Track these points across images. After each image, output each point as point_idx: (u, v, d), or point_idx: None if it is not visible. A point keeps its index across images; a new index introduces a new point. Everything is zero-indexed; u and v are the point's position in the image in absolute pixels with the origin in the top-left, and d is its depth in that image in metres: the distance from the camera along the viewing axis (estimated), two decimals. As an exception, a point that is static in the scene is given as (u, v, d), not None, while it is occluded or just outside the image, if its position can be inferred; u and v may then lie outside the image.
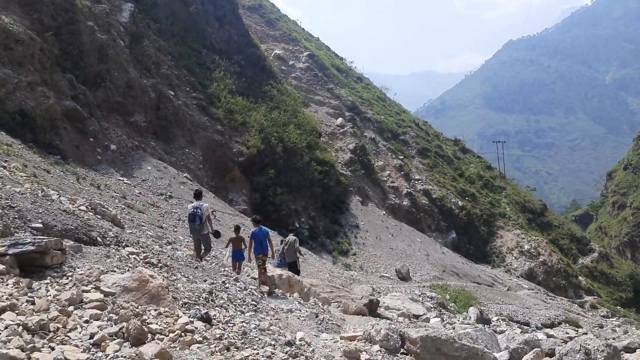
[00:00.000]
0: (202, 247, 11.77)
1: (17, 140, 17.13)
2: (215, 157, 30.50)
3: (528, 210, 54.19)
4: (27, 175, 12.87)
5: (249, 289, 8.05)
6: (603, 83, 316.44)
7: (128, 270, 5.97)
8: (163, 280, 5.77)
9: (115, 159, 22.63)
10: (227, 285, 7.70)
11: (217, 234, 12.16)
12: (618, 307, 45.01)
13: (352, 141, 44.36)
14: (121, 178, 20.89)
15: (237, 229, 13.07)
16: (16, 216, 6.53)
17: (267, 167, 32.99)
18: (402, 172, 46.49)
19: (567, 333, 25.75)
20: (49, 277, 5.51)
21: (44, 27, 21.55)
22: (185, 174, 25.24)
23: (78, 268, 5.76)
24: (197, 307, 5.67)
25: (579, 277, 47.22)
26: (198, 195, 12.26)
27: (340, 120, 46.75)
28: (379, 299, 9.86)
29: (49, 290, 5.27)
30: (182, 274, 7.15)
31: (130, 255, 6.86)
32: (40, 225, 6.72)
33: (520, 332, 24.22)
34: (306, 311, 7.60)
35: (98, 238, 7.34)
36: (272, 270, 9.82)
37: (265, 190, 32.29)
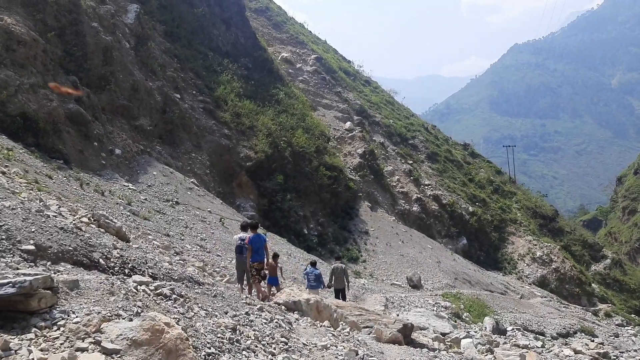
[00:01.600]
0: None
1: (19, 144, 16.44)
2: (222, 162, 29.77)
3: (539, 216, 53.22)
4: (27, 182, 12.13)
5: (276, 320, 7.25)
6: (609, 87, 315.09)
7: (137, 315, 4.79)
8: (181, 326, 4.75)
9: (120, 164, 21.92)
10: (252, 317, 6.88)
11: (275, 255, 12.59)
12: (632, 315, 43.99)
13: (361, 146, 43.55)
14: (126, 184, 20.17)
15: (275, 256, 13.54)
16: (3, 237, 5.65)
17: (275, 172, 32.23)
18: (411, 177, 45.63)
19: (586, 345, 24.91)
20: (33, 329, 4.30)
21: (47, 28, 20.91)
22: (192, 179, 24.51)
23: (73, 313, 4.57)
24: (222, 356, 4.82)
25: (592, 285, 46.21)
26: (245, 227, 12.18)
27: (348, 124, 45.96)
28: (409, 322, 8.94)
29: (31, 352, 3.98)
30: (200, 305, 6.28)
31: (138, 288, 5.94)
32: (33, 247, 5.83)
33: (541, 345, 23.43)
34: (343, 347, 6.80)
35: (100, 260, 6.53)
36: (299, 294, 9.05)
37: (274, 195, 31.51)
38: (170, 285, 6.53)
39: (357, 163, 41.74)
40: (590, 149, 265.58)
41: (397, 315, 13.35)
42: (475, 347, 10.06)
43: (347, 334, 7.94)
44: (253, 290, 11.20)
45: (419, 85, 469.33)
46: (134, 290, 5.81)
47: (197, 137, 28.74)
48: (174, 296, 6.25)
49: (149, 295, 5.91)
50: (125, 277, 6.44)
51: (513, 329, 25.28)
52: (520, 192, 58.21)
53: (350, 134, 44.64)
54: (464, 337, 10.70)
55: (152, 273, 7.35)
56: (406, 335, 8.42)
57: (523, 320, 29.28)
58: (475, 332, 21.74)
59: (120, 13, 28.26)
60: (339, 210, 36.61)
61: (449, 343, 10.11)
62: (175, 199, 21.00)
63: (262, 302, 8.75)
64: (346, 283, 15.51)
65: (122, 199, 17.94)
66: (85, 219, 9.11)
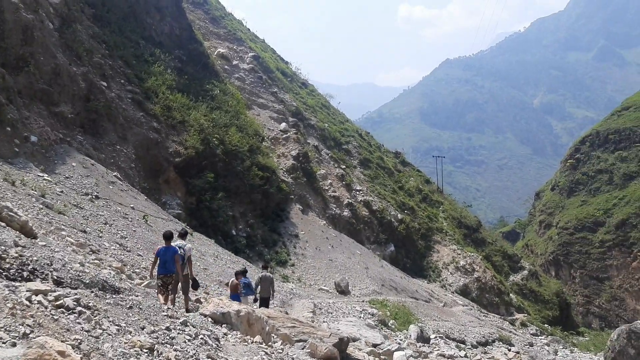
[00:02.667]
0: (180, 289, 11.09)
1: None
2: (149, 156, 28.26)
3: (464, 226, 54.85)
4: None
5: (201, 335, 6.48)
6: (531, 106, 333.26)
7: (24, 337, 3.72)
8: (83, 351, 3.89)
9: (35, 153, 20.17)
10: (173, 333, 6.07)
11: (195, 285, 11.43)
12: (546, 325, 46.12)
13: (295, 147, 43.03)
14: (41, 174, 18.55)
15: (242, 272, 14.49)
16: None
17: (206, 169, 31.02)
18: (343, 182, 45.64)
19: (505, 354, 25.62)
20: None
21: (-42, -2, 18.95)
22: (115, 173, 23.00)
23: None
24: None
25: (511, 295, 48.05)
26: (182, 236, 11.92)
27: (283, 125, 45.33)
28: (345, 336, 8.33)
29: None
30: (111, 320, 5.40)
31: (33, 298, 4.83)
32: None
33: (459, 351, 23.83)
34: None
35: None
36: (229, 305, 8.24)
37: (202, 194, 30.31)
38: (76, 294, 5.59)
39: (291, 165, 41.19)
40: (511, 164, 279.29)
41: (328, 325, 12.88)
42: (407, 358, 9.76)
43: (281, 350, 7.30)
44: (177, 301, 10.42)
45: (353, 92, 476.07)
46: (26, 303, 4.80)
47: (123, 128, 27.10)
48: (79, 308, 5.33)
49: (46, 308, 4.96)
50: (20, 283, 5.42)
51: (436, 337, 25.62)
52: (447, 202, 59.81)
53: (284, 135, 44.04)
54: (396, 350, 10.39)
55: (57, 277, 6.38)
56: (342, 350, 7.90)
57: (445, 328, 29.77)
58: (402, 340, 21.81)
59: (45, -9, 26.22)
60: (269, 212, 35.86)
61: (383, 357, 9.73)
62: (95, 193, 19.56)
63: (186, 313, 8.06)
64: (272, 292, 15.31)
65: (35, 190, 16.42)
66: (-18, 212, 7.94)
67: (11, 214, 8.66)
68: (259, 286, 14.96)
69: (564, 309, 55.69)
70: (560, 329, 47.35)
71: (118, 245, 15.76)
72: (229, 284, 14.30)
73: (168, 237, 10.70)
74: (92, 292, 6.42)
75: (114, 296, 6.73)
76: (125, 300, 6.75)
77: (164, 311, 7.18)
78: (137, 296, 7.89)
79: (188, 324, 7.02)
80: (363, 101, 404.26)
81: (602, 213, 75.68)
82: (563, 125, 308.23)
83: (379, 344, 11.44)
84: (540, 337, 39.36)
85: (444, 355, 16.66)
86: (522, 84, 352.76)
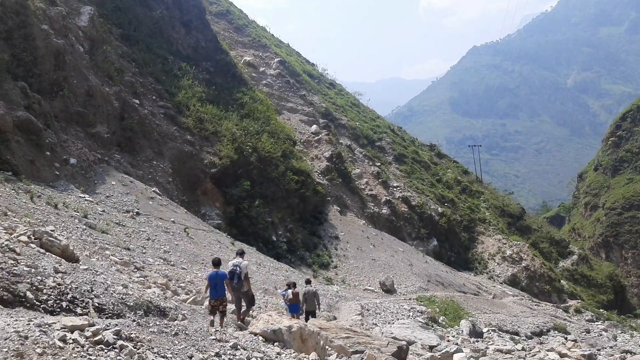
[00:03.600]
0: (244, 304, 11.66)
1: (-40, 155, 15.01)
2: (185, 169, 28.50)
3: (507, 215, 53.52)
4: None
5: (254, 358, 6.23)
6: (565, 86, 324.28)
7: None
8: None
9: (75, 174, 20.53)
10: (223, 358, 5.88)
11: (251, 301, 11.85)
12: (601, 310, 44.51)
13: (328, 149, 42.80)
14: (82, 195, 18.82)
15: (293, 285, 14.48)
16: None
17: (241, 178, 31.11)
18: (379, 180, 45.13)
19: (563, 344, 24.72)
20: None
21: (-9, 30, 19.42)
22: (153, 189, 23.22)
23: None
24: None
25: (562, 281, 46.59)
26: (240, 254, 12.18)
27: (314, 127, 45.18)
28: (404, 343, 7.92)
29: None
30: (156, 351, 5.11)
31: (68, 337, 4.44)
32: None
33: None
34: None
35: (28, 293, 5.39)
36: (279, 320, 7.92)
37: (240, 202, 30.38)
38: (117, 325, 5.33)
39: (325, 166, 40.97)
40: (549, 147, 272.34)
41: (381, 330, 12.54)
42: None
43: (335, 363, 7.05)
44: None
45: (381, 88, 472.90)
46: (59, 344, 4.38)
47: (158, 144, 27.42)
48: (120, 342, 4.97)
49: (83, 347, 4.58)
50: (57, 316, 5.21)
51: (489, 331, 25.00)
52: (488, 191, 58.53)
53: (316, 138, 43.87)
54: (455, 352, 9.99)
55: (98, 304, 6.22)
56: (401, 359, 7.53)
57: (497, 320, 29.07)
58: (454, 336, 21.27)
59: (73, 15, 26.77)
60: (307, 215, 35.72)
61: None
62: (136, 210, 19.74)
63: (235, 333, 7.87)
64: (317, 305, 15.07)
65: (78, 212, 16.63)
66: (24, 238, 7.90)
67: (51, 239, 8.63)
68: (305, 301, 14.80)
69: (619, 292, 53.69)
70: (616, 313, 45.63)
71: (162, 260, 15.80)
72: (285, 296, 14.09)
73: (216, 263, 10.94)
74: (134, 320, 6.15)
75: (157, 323, 6.40)
76: (170, 327, 6.47)
77: (212, 334, 6.89)
78: (183, 315, 7.68)
79: (238, 346, 6.69)
80: (392, 96, 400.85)
81: (651, 190, 72.77)
82: (600, 103, 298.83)
83: (436, 346, 11.04)
84: (596, 323, 38.04)
85: (501, 351, 16.10)
86: (553, 64, 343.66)
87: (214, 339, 6.68)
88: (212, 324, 10.41)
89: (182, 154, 28.60)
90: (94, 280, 7.17)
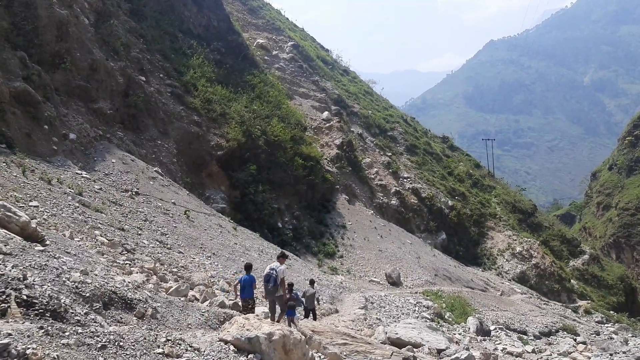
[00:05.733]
0: (278, 309, 11.70)
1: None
2: (190, 150, 27.70)
3: (518, 211, 52.36)
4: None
5: None
6: (581, 84, 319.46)
7: None
8: None
9: (74, 150, 19.77)
10: None
11: (285, 307, 11.81)
12: (611, 312, 43.44)
13: (339, 136, 41.81)
14: (79, 171, 18.06)
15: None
16: None
17: (248, 162, 30.26)
18: (390, 170, 44.11)
19: (574, 347, 23.84)
20: None
21: (-9, -3, 18.63)
22: (155, 168, 22.42)
23: None
24: None
25: (572, 281, 45.52)
26: (281, 257, 12.43)
27: (326, 114, 44.14)
28: (410, 355, 6.82)
29: None
30: None
31: None
32: None
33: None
34: None
35: None
36: (257, 325, 6.65)
37: (246, 187, 29.56)
38: (10, 335, 4.08)
39: (335, 154, 40.01)
40: (562, 145, 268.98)
41: (385, 330, 11.66)
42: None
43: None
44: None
45: (395, 80, 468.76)
46: None
47: (163, 123, 26.60)
48: None
49: None
50: None
51: (496, 329, 24.26)
52: (500, 186, 57.34)
53: (327, 124, 42.87)
54: (466, 358, 9.10)
55: (27, 296, 4.99)
56: None
57: (505, 318, 28.37)
58: (461, 333, 20.45)
59: (80, -14, 25.87)
60: (315, 203, 34.87)
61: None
62: (135, 189, 18.97)
63: (203, 340, 6.48)
64: (316, 305, 14.63)
65: (72, 189, 15.89)
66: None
67: (9, 214, 7.62)
68: (305, 300, 14.06)
69: (629, 294, 52.49)
70: (627, 316, 44.50)
71: (157, 243, 15.03)
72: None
73: (248, 267, 11.52)
74: (41, 328, 4.69)
75: (79, 331, 4.91)
76: (99, 335, 4.99)
77: (160, 346, 5.40)
78: (154, 309, 6.70)
79: None
80: (406, 88, 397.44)
81: (666, 192, 71.15)
82: (616, 103, 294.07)
83: (444, 349, 10.15)
84: (606, 325, 37.06)
85: (511, 354, 15.24)
86: (571, 61, 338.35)
87: (160, 353, 5.27)
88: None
89: (188, 134, 27.78)
90: (44, 265, 6.09)
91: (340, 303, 19.65)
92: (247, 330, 6.37)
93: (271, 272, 11.22)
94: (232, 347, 6.25)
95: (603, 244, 76.52)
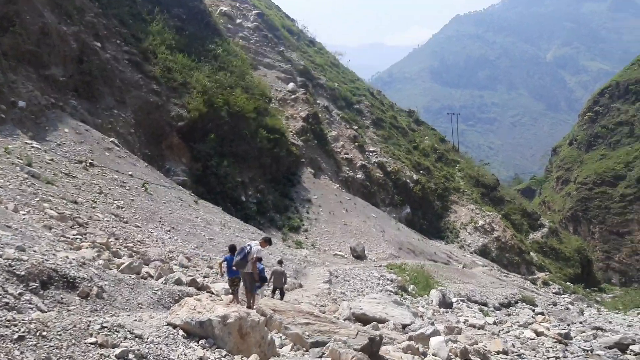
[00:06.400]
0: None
1: None
2: (150, 121, 26.64)
3: (481, 185, 53.08)
4: None
5: None
6: (544, 61, 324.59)
7: None
8: None
9: (23, 119, 18.63)
10: None
11: (262, 280, 11.70)
12: (568, 283, 44.79)
13: (305, 108, 41.13)
14: (29, 141, 17.05)
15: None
16: None
17: (210, 133, 29.38)
18: (356, 144, 43.81)
19: (533, 317, 24.33)
20: None
21: None
22: (111, 139, 21.45)
23: None
24: None
25: (531, 253, 46.61)
26: (265, 241, 12.01)
27: (291, 85, 43.30)
28: (377, 334, 6.44)
29: None
30: None
31: None
32: None
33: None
34: None
35: None
36: (210, 307, 5.93)
37: (208, 159, 28.74)
38: None
39: (300, 127, 39.40)
40: (524, 120, 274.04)
41: (349, 305, 11.41)
42: (446, 345, 8.32)
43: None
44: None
45: (362, 53, 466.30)
46: None
47: (120, 91, 25.42)
48: None
49: None
50: None
51: (458, 301, 24.56)
52: (464, 160, 57.91)
53: (293, 96, 42.09)
54: (431, 333, 8.94)
55: None
56: (372, 354, 6.17)
57: (467, 290, 28.78)
58: (424, 306, 20.55)
59: (28, -56, 24.21)
60: (280, 176, 34.34)
61: (418, 345, 8.23)
62: (90, 160, 18.07)
63: (148, 324, 5.87)
64: (284, 283, 14.12)
65: (21, 159, 14.97)
66: None
67: None
68: (272, 278, 13.72)
69: (585, 266, 54.26)
70: (582, 287, 46.02)
71: (113, 217, 14.33)
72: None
73: (232, 248, 11.40)
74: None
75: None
76: (17, 324, 4.29)
77: (92, 335, 4.67)
78: (100, 287, 6.16)
79: (132, 353, 4.58)
80: (372, 62, 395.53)
81: (622, 167, 73.36)
82: (577, 79, 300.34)
83: (409, 324, 9.98)
84: (563, 296, 38.21)
85: (474, 326, 15.30)
86: (535, 37, 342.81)
87: (92, 343, 4.54)
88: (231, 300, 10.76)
89: (146, 104, 26.69)
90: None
91: (304, 277, 19.40)
92: (199, 312, 5.78)
93: (246, 246, 11.07)
94: (181, 332, 5.68)
95: (561, 218, 78.78)
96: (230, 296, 10.59)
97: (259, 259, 11.60)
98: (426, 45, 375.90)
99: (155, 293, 7.37)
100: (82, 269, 6.30)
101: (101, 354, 4.42)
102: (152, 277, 9.36)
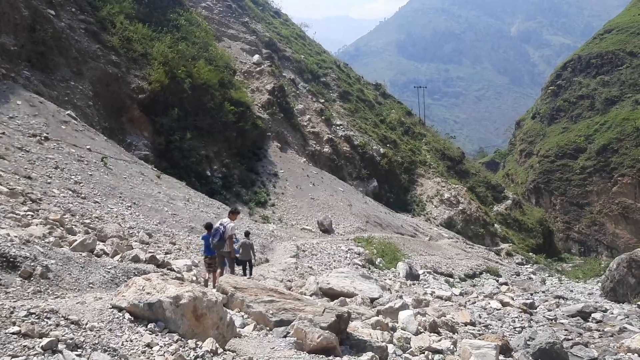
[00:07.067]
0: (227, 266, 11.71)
1: None
2: (109, 93, 25.63)
3: (447, 158, 53.55)
4: None
5: None
6: (508, 35, 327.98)
7: None
8: None
9: (-29, 90, 17.63)
10: None
11: (232, 264, 11.92)
12: (530, 254, 45.90)
13: (270, 81, 40.37)
14: (-23, 114, 16.14)
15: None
16: None
17: (173, 106, 28.52)
18: (322, 117, 43.40)
19: (497, 287, 24.77)
20: None
21: None
22: (68, 112, 20.50)
23: None
24: None
25: (495, 225, 47.49)
26: (231, 213, 12.18)
27: (256, 57, 42.37)
28: (345, 310, 6.16)
29: None
30: None
31: None
32: None
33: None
34: None
35: None
36: (162, 286, 5.16)
37: (171, 133, 27.94)
38: None
39: (266, 100, 38.70)
40: (489, 94, 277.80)
41: (316, 280, 11.20)
42: (415, 319, 8.21)
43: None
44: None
45: (328, 26, 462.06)
46: None
47: (77, 62, 24.30)
48: None
49: None
50: None
51: (424, 273, 24.79)
52: (430, 134, 58.21)
53: (258, 69, 41.23)
54: (399, 307, 8.82)
55: None
56: (340, 331, 5.92)
57: (433, 262, 29.11)
58: (391, 278, 20.64)
59: None
60: (245, 150, 33.76)
61: (387, 320, 8.09)
62: (45, 134, 17.22)
63: (90, 306, 5.18)
64: (252, 256, 13.96)
65: (-32, 133, 14.14)
66: None
67: None
68: (240, 251, 13.44)
69: (547, 236, 55.71)
70: (544, 257, 47.26)
71: (70, 192, 13.70)
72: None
73: (208, 227, 11.53)
74: None
75: None
76: None
77: (15, 323, 4.05)
78: (45, 266, 5.71)
79: (67, 341, 4.03)
80: (339, 35, 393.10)
81: (583, 139, 75.04)
82: (540, 53, 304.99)
83: (377, 298, 9.85)
84: (525, 266, 39.11)
85: (441, 297, 15.38)
86: (499, 12, 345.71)
87: (15, 333, 3.93)
88: (206, 283, 10.79)
89: (105, 75, 25.63)
90: None
91: (271, 252, 19.16)
92: (148, 293, 5.19)
93: (219, 227, 11.07)
94: (127, 316, 5.04)
95: (524, 190, 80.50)
96: (190, 273, 10.34)
97: (234, 236, 11.52)
98: (392, 18, 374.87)
99: (109, 272, 6.92)
100: (25, 247, 5.83)
101: (24, 346, 3.85)
102: (107, 254, 8.88)
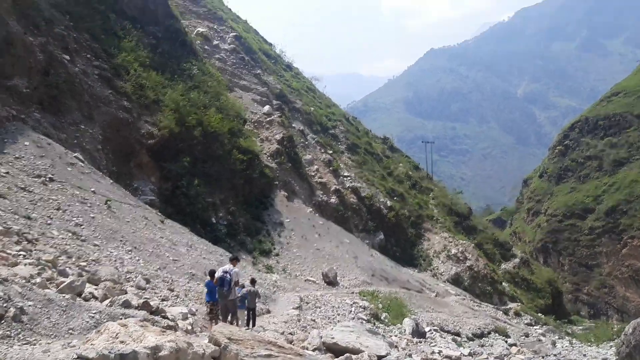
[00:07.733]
0: (229, 314, 11.76)
1: None
2: (119, 138, 25.69)
3: (455, 213, 53.01)
4: None
5: None
6: (515, 96, 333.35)
7: None
8: None
9: (-19, 130, 17.65)
10: None
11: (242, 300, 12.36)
12: (539, 314, 44.61)
13: (280, 131, 40.58)
14: (-16, 153, 16.06)
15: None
16: None
17: (182, 153, 28.52)
18: (330, 168, 43.34)
19: (507, 348, 23.86)
20: None
21: None
22: (75, 154, 20.45)
23: None
24: None
25: (503, 283, 46.41)
26: (232, 260, 12.38)
27: (267, 108, 42.79)
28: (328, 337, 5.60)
29: None
30: None
31: None
32: None
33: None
34: None
35: None
36: (139, 333, 4.58)
37: (179, 179, 27.82)
38: None
39: (275, 149, 38.76)
40: (495, 153, 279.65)
41: (320, 333, 10.63)
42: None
43: None
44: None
45: (338, 82, 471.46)
46: None
47: (88, 106, 24.48)
48: None
49: None
50: None
51: (431, 330, 24.07)
52: (437, 188, 57.92)
53: (268, 119, 41.56)
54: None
55: None
56: None
57: (440, 320, 28.39)
58: (397, 335, 19.89)
59: (-2, -48, 23.44)
60: (252, 198, 33.52)
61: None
62: (50, 175, 17.07)
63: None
64: (256, 304, 13.98)
65: (-27, 171, 13.98)
66: None
67: None
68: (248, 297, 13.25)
69: (556, 297, 54.31)
70: (553, 318, 45.88)
71: (70, 234, 13.38)
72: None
73: (211, 274, 11.56)
74: None
75: None
76: None
77: None
78: (20, 309, 5.23)
79: None
80: (348, 91, 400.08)
81: (591, 200, 74.57)
82: (546, 115, 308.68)
83: (384, 356, 9.24)
84: (535, 327, 37.97)
85: (450, 357, 14.68)
86: (506, 73, 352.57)
87: None
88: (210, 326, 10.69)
89: (116, 120, 25.77)
90: None
91: (273, 303, 18.57)
92: (122, 342, 4.56)
93: (224, 275, 11.05)
94: None
95: (532, 249, 79.41)
96: (186, 322, 9.90)
97: (237, 282, 11.40)
98: (401, 76, 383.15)
99: (93, 317, 6.41)
100: (8, 287, 5.38)
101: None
102: (96, 298, 8.38)
